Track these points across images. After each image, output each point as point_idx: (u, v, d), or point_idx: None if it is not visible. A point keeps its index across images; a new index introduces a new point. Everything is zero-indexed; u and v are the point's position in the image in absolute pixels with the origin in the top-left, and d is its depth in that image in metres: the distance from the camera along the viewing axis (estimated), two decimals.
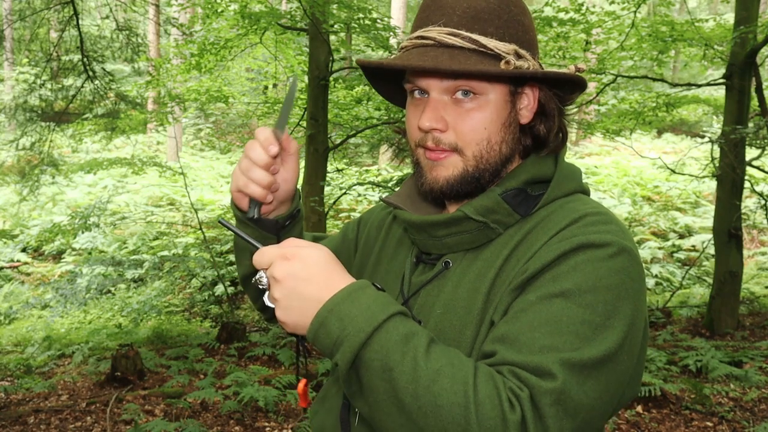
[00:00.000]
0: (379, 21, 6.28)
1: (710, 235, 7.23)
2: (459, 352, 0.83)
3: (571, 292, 0.83)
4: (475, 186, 0.97)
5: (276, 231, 1.11)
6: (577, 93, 1.01)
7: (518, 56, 0.92)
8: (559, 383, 0.77)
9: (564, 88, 1.00)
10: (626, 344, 0.84)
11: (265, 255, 0.86)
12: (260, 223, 1.09)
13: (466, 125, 0.95)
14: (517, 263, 0.90)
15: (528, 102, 0.98)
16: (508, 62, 0.90)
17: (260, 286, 0.87)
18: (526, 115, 0.98)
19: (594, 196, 10.72)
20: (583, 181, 1.03)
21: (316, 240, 1.31)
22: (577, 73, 0.97)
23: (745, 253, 8.64)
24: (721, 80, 6.18)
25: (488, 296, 0.91)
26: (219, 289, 8.08)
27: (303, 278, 0.84)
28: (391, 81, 1.08)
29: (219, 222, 1.00)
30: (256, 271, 0.91)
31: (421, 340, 0.81)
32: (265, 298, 0.87)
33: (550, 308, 0.83)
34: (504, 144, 0.96)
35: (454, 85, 0.94)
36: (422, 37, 0.94)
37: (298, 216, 1.15)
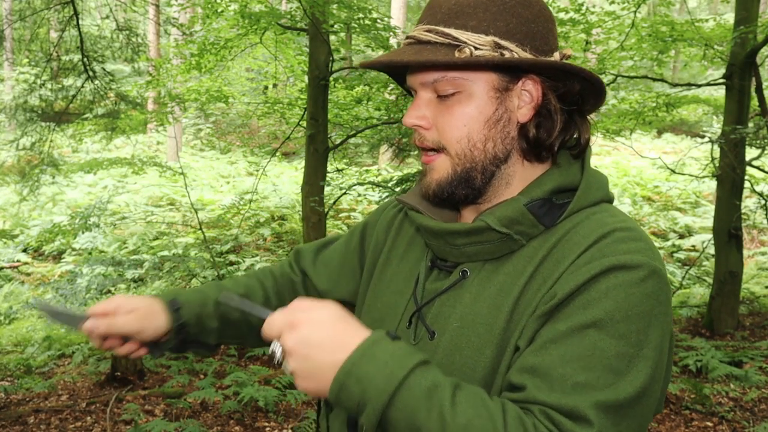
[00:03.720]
0: (379, 21, 6.28)
1: (710, 235, 7.23)
2: (485, 396, 0.80)
3: (604, 322, 0.80)
4: (469, 188, 0.94)
5: (184, 348, 1.16)
6: (595, 94, 0.95)
7: (497, 47, 0.88)
8: (595, 430, 0.76)
9: (571, 83, 0.92)
10: (657, 373, 0.82)
11: (274, 325, 0.84)
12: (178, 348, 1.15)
13: (445, 122, 0.93)
14: (543, 284, 0.87)
15: (530, 98, 0.92)
16: (461, 50, 0.87)
17: (276, 358, 0.85)
18: (525, 113, 0.92)
19: None
20: (609, 188, 0.99)
21: (320, 247, 1.28)
22: (563, 61, 0.91)
23: (745, 253, 8.63)
24: (721, 80, 6.17)
25: (511, 316, 0.88)
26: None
27: (314, 344, 0.81)
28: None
29: (221, 300, 1.02)
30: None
31: (445, 392, 0.78)
32: (285, 367, 0.86)
33: (582, 341, 0.80)
34: (490, 142, 0.92)
35: (430, 80, 0.93)
36: (408, 37, 0.94)
37: (182, 330, 1.13)
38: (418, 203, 1.03)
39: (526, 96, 0.93)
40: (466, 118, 0.92)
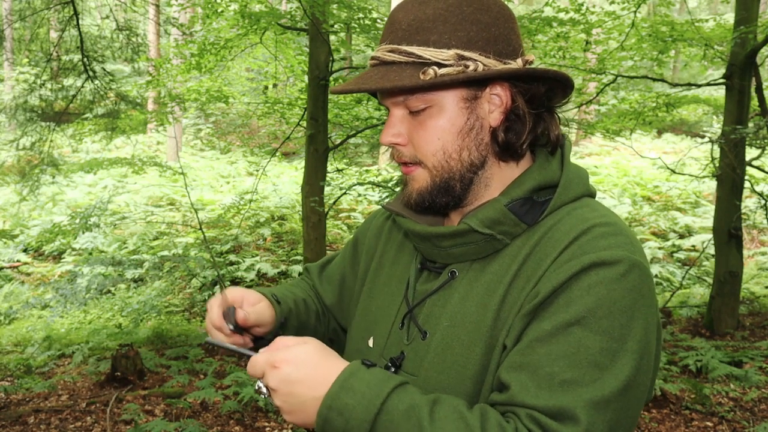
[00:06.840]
0: (379, 21, 6.27)
1: (710, 235, 7.23)
2: (463, 408, 0.82)
3: (587, 319, 0.82)
4: (449, 196, 0.96)
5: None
6: (562, 88, 0.96)
7: (461, 59, 0.89)
8: (583, 428, 0.77)
9: (537, 86, 0.94)
10: (643, 364, 0.83)
11: (256, 366, 0.88)
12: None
13: (420, 137, 0.94)
14: (527, 282, 0.88)
15: (500, 102, 0.94)
16: (425, 72, 0.88)
17: (262, 395, 0.90)
18: (496, 117, 0.94)
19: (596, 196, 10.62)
20: (590, 183, 1.00)
21: (324, 264, 1.32)
22: (527, 67, 0.92)
23: (745, 253, 8.63)
24: (721, 80, 6.17)
25: (498, 314, 0.89)
26: (219, 289, 8.07)
27: (296, 381, 0.85)
28: None
29: (206, 342, 1.06)
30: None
31: (423, 410, 0.81)
32: (271, 403, 0.92)
33: (567, 338, 0.81)
34: (464, 151, 0.94)
35: (400, 99, 0.94)
36: (373, 58, 0.95)
37: (284, 325, 1.15)
38: (403, 209, 1.05)
39: (496, 99, 0.94)
40: (439, 131, 0.93)
